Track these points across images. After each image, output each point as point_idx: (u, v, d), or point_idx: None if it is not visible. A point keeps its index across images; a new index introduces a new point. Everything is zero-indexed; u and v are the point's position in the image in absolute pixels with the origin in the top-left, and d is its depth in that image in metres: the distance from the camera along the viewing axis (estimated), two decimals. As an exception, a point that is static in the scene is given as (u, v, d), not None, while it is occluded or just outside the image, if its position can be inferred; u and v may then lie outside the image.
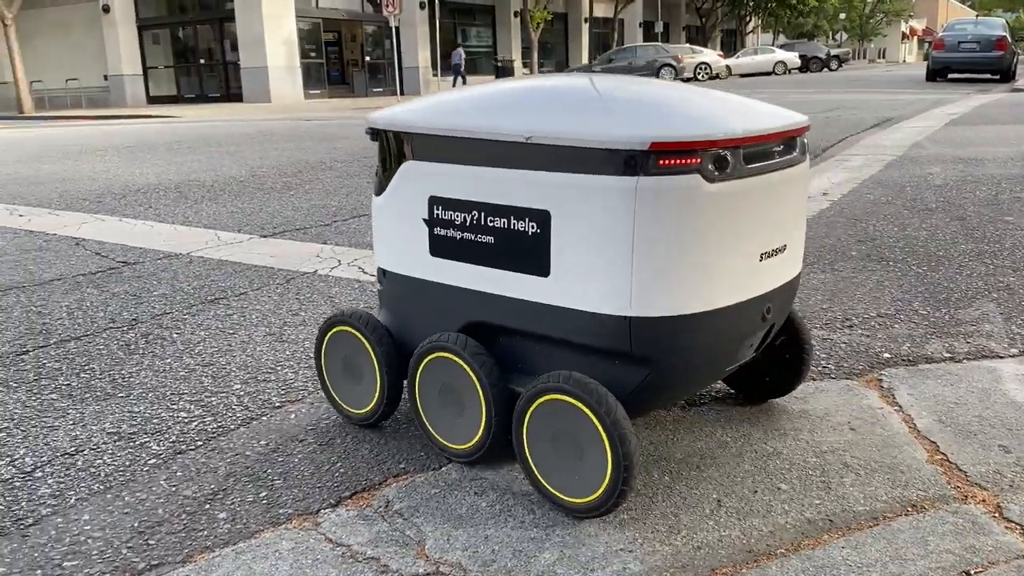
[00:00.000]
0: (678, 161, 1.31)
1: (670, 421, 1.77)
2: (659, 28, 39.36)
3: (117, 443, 1.75)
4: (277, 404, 1.92)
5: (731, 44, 52.39)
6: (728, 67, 33.34)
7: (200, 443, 1.74)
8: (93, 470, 1.63)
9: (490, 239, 1.49)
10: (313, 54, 26.04)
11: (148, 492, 1.54)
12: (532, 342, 1.52)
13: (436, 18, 25.84)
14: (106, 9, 25.78)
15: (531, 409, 1.46)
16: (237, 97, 24.74)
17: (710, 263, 1.38)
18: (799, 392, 1.90)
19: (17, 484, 1.59)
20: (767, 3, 45.02)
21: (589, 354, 1.45)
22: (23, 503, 1.52)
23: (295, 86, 24.57)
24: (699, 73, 31.55)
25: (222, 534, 1.40)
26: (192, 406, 1.93)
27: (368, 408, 1.75)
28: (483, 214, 1.49)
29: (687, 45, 36.76)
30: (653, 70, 29.96)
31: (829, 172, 4.99)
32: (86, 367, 2.19)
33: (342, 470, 1.60)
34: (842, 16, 58.79)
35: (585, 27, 38.20)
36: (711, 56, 32.77)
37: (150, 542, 1.39)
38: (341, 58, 28.03)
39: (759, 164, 1.42)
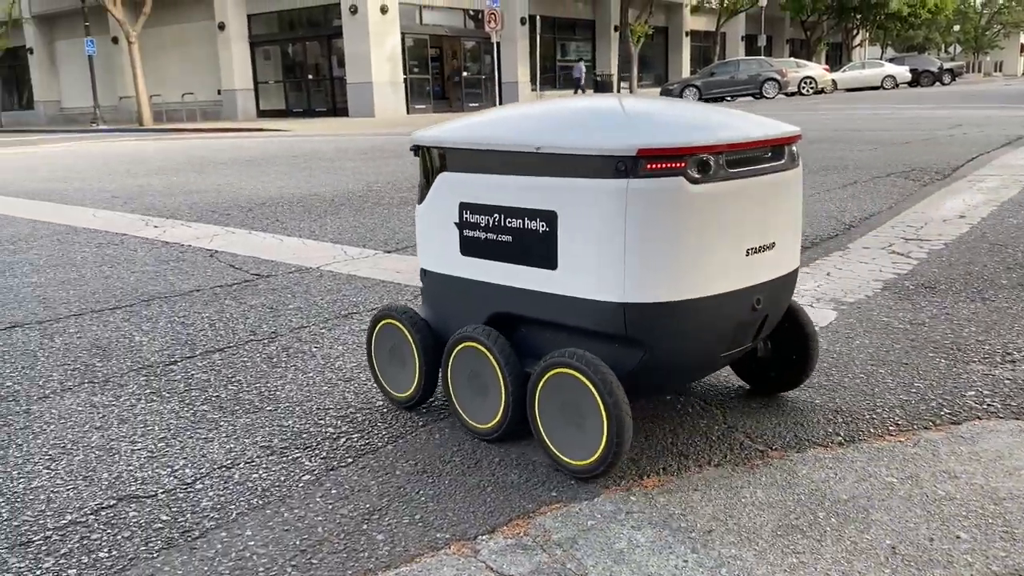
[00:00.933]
0: (663, 165, 1.50)
1: (830, 459, 1.69)
2: (762, 42, 38.56)
3: (271, 457, 1.78)
4: (421, 424, 1.93)
5: (836, 58, 50.90)
6: (834, 81, 32.41)
7: (350, 460, 1.75)
8: (250, 484, 1.66)
9: (508, 238, 1.71)
10: (416, 69, 26.56)
11: (306, 509, 1.56)
12: (545, 329, 1.74)
13: (536, 33, 26.02)
14: (221, 27, 26.93)
15: (542, 382, 1.67)
16: (343, 111, 25.44)
17: (695, 256, 1.55)
18: (966, 431, 1.80)
19: (180, 495, 1.63)
20: (876, 15, 43.57)
21: (592, 338, 1.65)
22: (187, 515, 1.56)
23: (398, 101, 25.10)
24: (804, 87, 30.79)
25: (383, 556, 1.40)
26: (339, 421, 1.95)
27: (409, 392, 1.98)
28: (503, 216, 1.71)
29: (791, 59, 35.90)
30: (756, 84, 29.37)
31: (964, 194, 4.75)
32: (233, 379, 2.25)
33: (492, 494, 1.59)
34: (956, 28, 56.38)
35: (686, 40, 37.78)
36: (816, 70, 31.94)
37: (313, 561, 1.40)
38: (442, 73, 28.52)
39: (743, 169, 1.58)
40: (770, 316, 1.74)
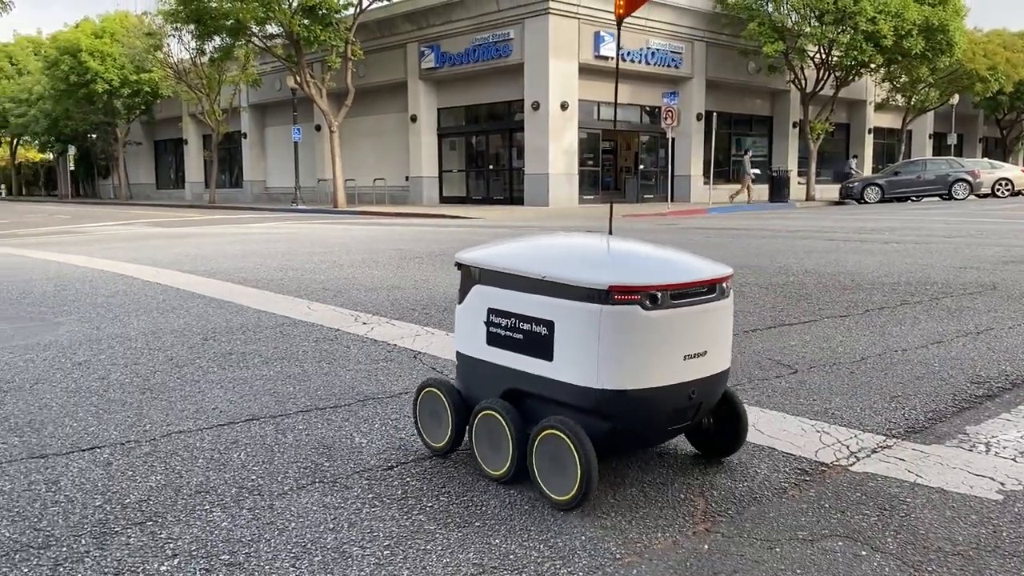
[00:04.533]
0: (625, 297, 2.18)
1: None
2: (951, 140, 36.89)
3: (483, 576, 1.95)
4: (617, 555, 2.05)
5: (1037, 157, 47.66)
6: (1034, 183, 30.38)
7: (555, 587, 1.89)
8: (468, 601, 1.84)
9: (521, 336, 2.40)
10: (590, 162, 27.29)
11: (520, 633, 1.71)
12: (543, 402, 2.40)
13: (712, 129, 26.17)
14: (414, 119, 28.89)
15: (537, 440, 2.34)
16: (519, 200, 26.42)
17: (645, 359, 2.22)
18: None
19: (408, 605, 1.82)
20: (1085, 113, 40.65)
21: (575, 410, 2.31)
22: (416, 625, 1.74)
23: (572, 191, 25.81)
24: (998, 189, 29.09)
25: None
26: (541, 545, 2.11)
27: (442, 444, 2.69)
28: (518, 320, 2.40)
29: (985, 159, 34.05)
30: (945, 185, 28.09)
31: None
32: (443, 489, 2.47)
33: (691, 640, 1.68)
34: None
35: (868, 138, 36.74)
36: (1013, 171, 30.16)
37: None
38: (615, 165, 29.14)
39: (683, 300, 2.26)
40: (704, 403, 2.41)
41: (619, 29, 3.06)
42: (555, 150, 25.15)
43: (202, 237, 13.33)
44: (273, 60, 29.46)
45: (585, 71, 25.78)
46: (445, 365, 3.94)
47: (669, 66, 27.96)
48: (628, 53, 26.62)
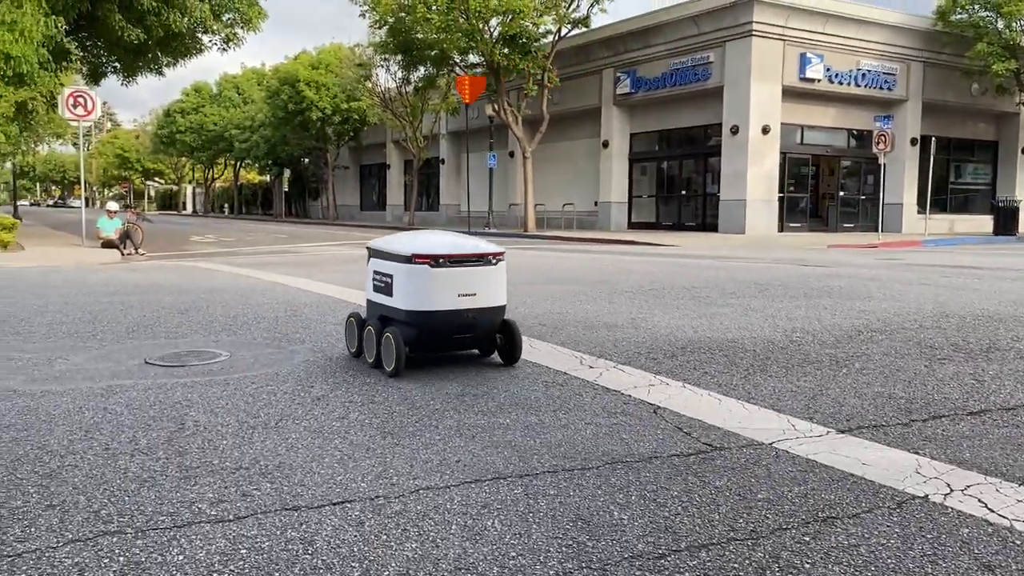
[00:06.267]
0: (421, 260, 4.43)
1: None
2: None
3: None
4: None
5: None
6: None
7: None
8: None
9: (382, 284, 4.70)
10: (792, 188, 26.03)
11: None
12: (392, 321, 4.56)
13: (930, 155, 24.21)
14: (605, 144, 28.79)
15: (382, 339, 4.55)
16: (712, 227, 25.60)
17: (433, 295, 4.46)
18: None
19: None
20: None
21: (402, 324, 4.50)
22: None
23: (770, 219, 24.72)
24: None
25: None
26: None
27: (354, 350, 4.97)
28: (382, 275, 4.71)
29: None
30: None
31: None
32: (732, 592, 2.12)
33: None
34: None
35: (1114, 165, 32.67)
36: None
37: None
38: (816, 191, 27.65)
39: (457, 263, 4.48)
40: (481, 326, 4.59)
41: (466, 114, 4.06)
42: (754, 175, 24.10)
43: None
44: (472, 88, 30.22)
45: (788, 94, 24.60)
46: (692, 425, 3.59)
47: (881, 88, 26.15)
48: (836, 75, 25.17)
